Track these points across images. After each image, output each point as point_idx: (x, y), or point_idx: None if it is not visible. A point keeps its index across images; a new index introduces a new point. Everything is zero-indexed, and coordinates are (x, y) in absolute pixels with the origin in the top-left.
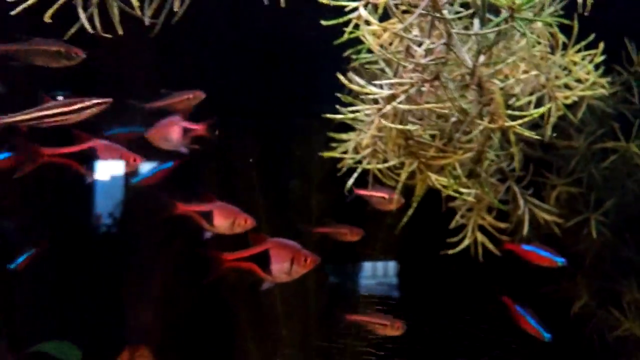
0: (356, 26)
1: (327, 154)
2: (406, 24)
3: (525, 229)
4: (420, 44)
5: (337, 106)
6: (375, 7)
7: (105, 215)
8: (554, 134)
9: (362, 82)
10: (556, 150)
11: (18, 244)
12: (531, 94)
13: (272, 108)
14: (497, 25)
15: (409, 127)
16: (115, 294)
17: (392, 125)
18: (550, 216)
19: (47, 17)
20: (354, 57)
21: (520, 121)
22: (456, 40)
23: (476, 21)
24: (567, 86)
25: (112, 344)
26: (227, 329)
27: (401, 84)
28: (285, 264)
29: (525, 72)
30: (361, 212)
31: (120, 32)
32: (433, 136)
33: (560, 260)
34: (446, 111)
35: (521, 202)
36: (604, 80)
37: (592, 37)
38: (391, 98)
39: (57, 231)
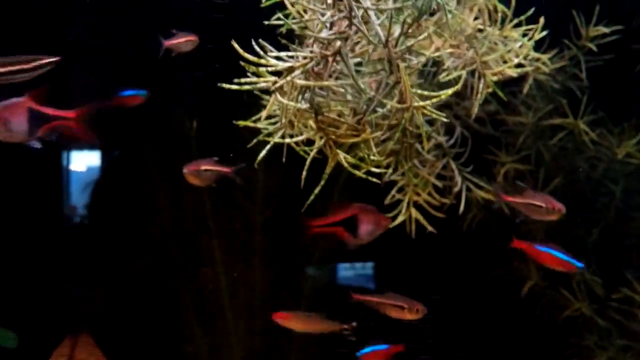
0: None
1: (241, 123)
2: None
3: (462, 207)
4: (323, 15)
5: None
6: None
7: (50, 203)
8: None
9: (261, 52)
10: (506, 126)
11: None
12: (463, 68)
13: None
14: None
15: (300, 105)
16: (56, 281)
17: (285, 102)
18: (487, 194)
19: None
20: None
21: (428, 102)
22: (357, 14)
23: None
24: (505, 62)
25: (53, 333)
26: (173, 315)
27: (303, 57)
28: (370, 227)
29: (453, 46)
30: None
31: None
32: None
33: (580, 265)
34: (343, 89)
35: (458, 179)
36: (544, 57)
37: (531, 11)
38: (290, 71)
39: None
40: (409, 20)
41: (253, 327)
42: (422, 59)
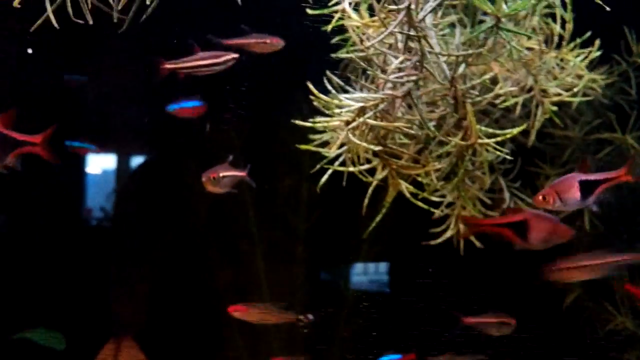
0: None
1: (303, 147)
2: (377, 40)
3: None
4: (395, 56)
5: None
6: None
7: (95, 207)
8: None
9: (332, 90)
10: (551, 139)
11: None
12: (521, 91)
13: (259, 97)
14: (478, 35)
15: (373, 147)
16: (102, 285)
17: (357, 142)
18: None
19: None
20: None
21: (493, 140)
22: (429, 59)
23: (457, 32)
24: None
25: (98, 335)
26: (214, 320)
27: (372, 99)
28: (542, 234)
29: (508, 71)
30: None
31: (91, 21)
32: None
33: None
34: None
35: (507, 195)
36: (598, 77)
37: (587, 34)
38: (361, 111)
39: (46, 222)
40: (469, 50)
41: (294, 334)
42: (488, 96)
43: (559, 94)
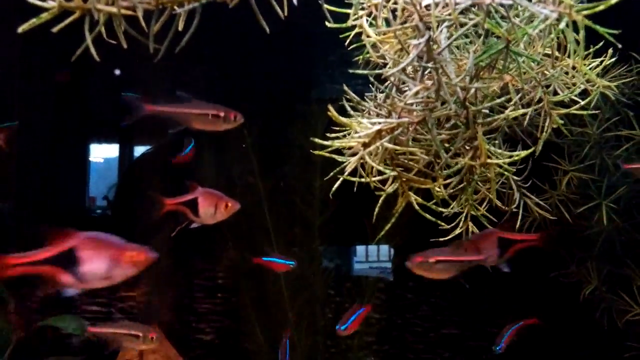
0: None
1: (318, 153)
2: (394, 70)
3: (519, 222)
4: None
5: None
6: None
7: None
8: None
9: (352, 112)
10: (570, 136)
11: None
12: (528, 104)
13: (272, 92)
14: (490, 56)
15: (389, 172)
16: None
17: (373, 164)
18: (544, 212)
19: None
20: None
21: (502, 160)
22: (446, 90)
23: (471, 55)
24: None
25: None
26: (232, 310)
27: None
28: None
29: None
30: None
31: (125, 46)
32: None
33: None
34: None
35: (517, 195)
36: (613, 85)
37: (601, 44)
38: (377, 134)
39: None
40: (482, 64)
41: (314, 326)
42: (499, 117)
43: (569, 106)
